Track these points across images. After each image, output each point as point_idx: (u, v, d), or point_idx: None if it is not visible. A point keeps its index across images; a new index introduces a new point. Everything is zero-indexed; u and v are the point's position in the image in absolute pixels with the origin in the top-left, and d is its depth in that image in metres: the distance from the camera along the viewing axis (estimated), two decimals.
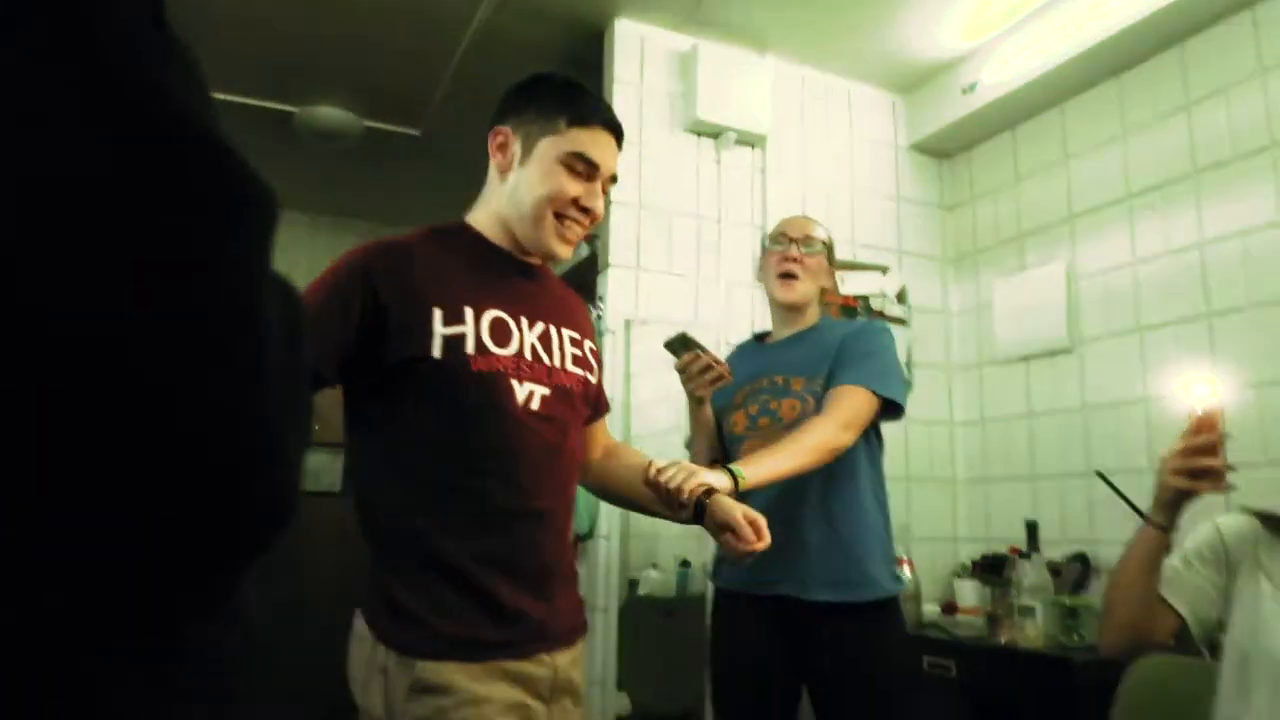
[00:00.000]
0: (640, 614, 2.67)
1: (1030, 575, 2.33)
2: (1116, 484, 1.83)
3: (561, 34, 3.02)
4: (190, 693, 0.38)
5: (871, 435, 1.88)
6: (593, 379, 1.41)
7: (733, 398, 1.91)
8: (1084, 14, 2.65)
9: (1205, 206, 2.49)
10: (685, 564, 2.86)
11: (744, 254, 2.96)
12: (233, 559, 0.37)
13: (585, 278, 2.99)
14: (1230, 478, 1.25)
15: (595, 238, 2.92)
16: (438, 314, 1.22)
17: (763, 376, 1.90)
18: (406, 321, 1.21)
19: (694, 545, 2.84)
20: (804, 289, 1.94)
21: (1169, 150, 2.60)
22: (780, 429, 1.78)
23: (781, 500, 1.75)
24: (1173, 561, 1.40)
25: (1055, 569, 2.48)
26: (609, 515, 2.59)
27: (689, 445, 2.00)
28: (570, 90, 1.36)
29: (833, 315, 3.01)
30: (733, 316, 2.89)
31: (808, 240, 1.94)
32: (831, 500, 1.79)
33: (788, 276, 1.93)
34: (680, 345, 1.71)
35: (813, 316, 1.99)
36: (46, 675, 0.33)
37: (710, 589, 2.11)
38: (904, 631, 1.89)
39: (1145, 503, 1.39)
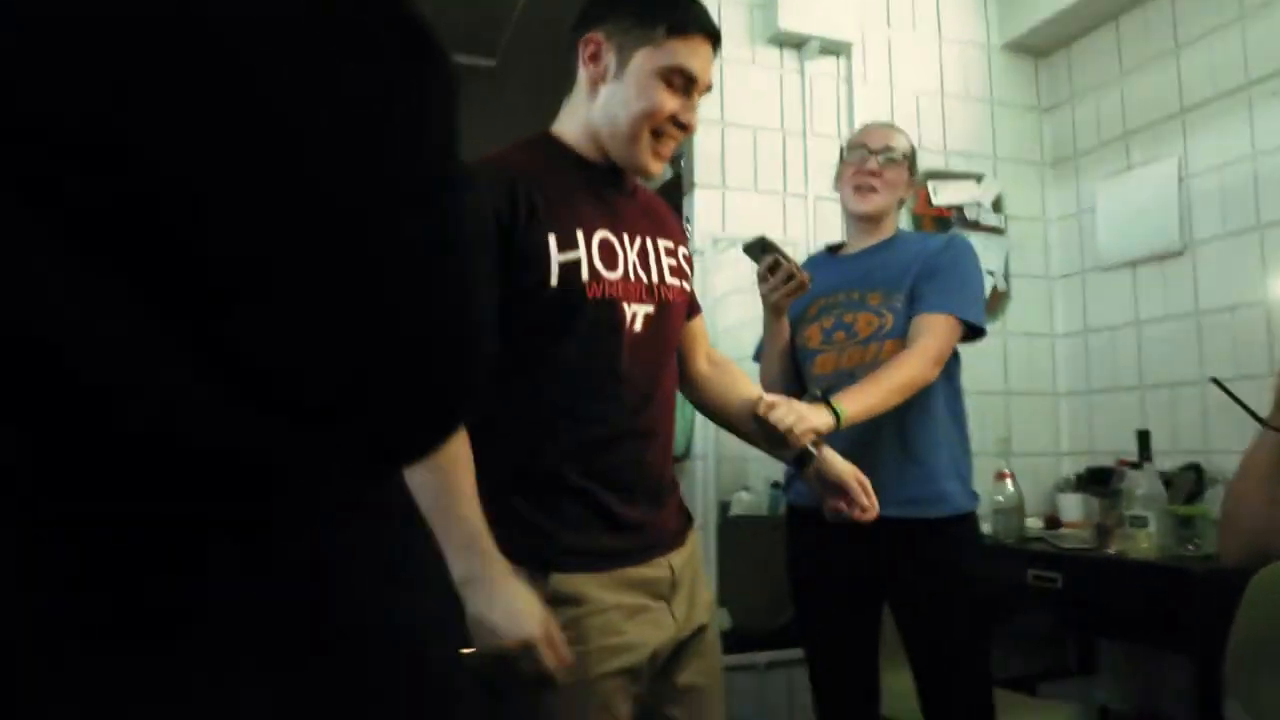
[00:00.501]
0: (735, 534, 2.70)
1: (1143, 485, 2.25)
2: (1234, 391, 1.75)
3: None
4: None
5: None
6: (688, 286, 1.39)
7: (806, 310, 1.88)
8: None
9: None
10: (776, 485, 2.87)
11: (831, 168, 2.87)
12: (424, 430, 0.38)
13: (671, 199, 2.95)
14: None
15: (680, 158, 2.87)
16: (552, 239, 1.19)
17: (838, 290, 1.87)
18: (525, 245, 1.18)
19: (785, 467, 2.84)
20: (880, 201, 1.88)
21: None
22: (855, 344, 1.79)
23: (865, 430, 1.71)
24: None
25: (1168, 479, 2.40)
26: (704, 437, 2.60)
27: (759, 356, 1.98)
28: (678, 3, 1.27)
29: (926, 227, 2.92)
30: (821, 232, 2.82)
31: (887, 150, 1.88)
32: (906, 419, 1.76)
33: (863, 189, 1.88)
34: (759, 249, 1.69)
35: (889, 228, 1.94)
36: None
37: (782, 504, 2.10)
38: (978, 546, 1.89)
39: (1266, 410, 1.32)
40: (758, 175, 2.78)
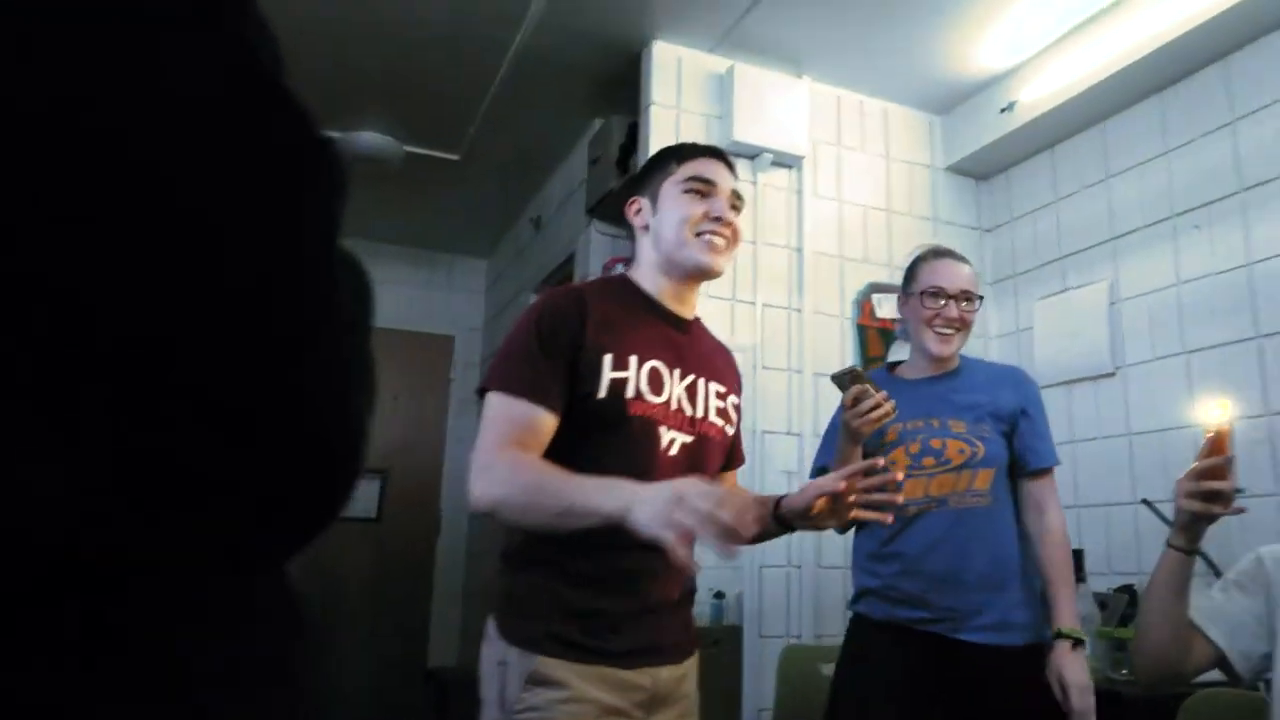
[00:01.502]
0: None
1: (1077, 607, 2.26)
2: (1164, 512, 1.79)
3: (598, 57, 3.05)
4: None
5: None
6: (730, 430, 1.51)
7: (884, 434, 1.88)
8: (1124, 31, 2.62)
9: (1253, 225, 2.44)
10: (719, 595, 2.83)
11: (780, 276, 2.95)
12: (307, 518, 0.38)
13: None
14: (1240, 500, 1.23)
15: (628, 260, 2.92)
16: (608, 359, 1.35)
17: (916, 417, 1.89)
18: (586, 361, 1.34)
19: (730, 575, 2.81)
20: (959, 343, 1.94)
21: (1214, 168, 2.55)
22: (947, 471, 1.84)
23: (946, 542, 1.82)
24: (1212, 591, 1.36)
25: (1102, 601, 2.41)
26: None
27: (816, 473, 1.99)
28: (673, 145, 1.55)
29: (870, 339, 2.98)
30: (769, 339, 2.87)
31: (967, 298, 1.92)
32: (996, 549, 1.84)
33: (945, 336, 1.92)
34: (848, 379, 1.69)
35: (956, 357, 1.99)
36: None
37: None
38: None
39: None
40: (708, 282, 2.83)
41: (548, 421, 1.31)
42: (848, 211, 3.12)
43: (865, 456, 1.87)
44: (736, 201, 1.48)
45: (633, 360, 1.37)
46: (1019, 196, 3.25)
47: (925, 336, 1.94)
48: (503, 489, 1.24)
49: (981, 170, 3.34)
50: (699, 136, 2.91)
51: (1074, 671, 1.76)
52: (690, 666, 1.44)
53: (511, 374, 1.33)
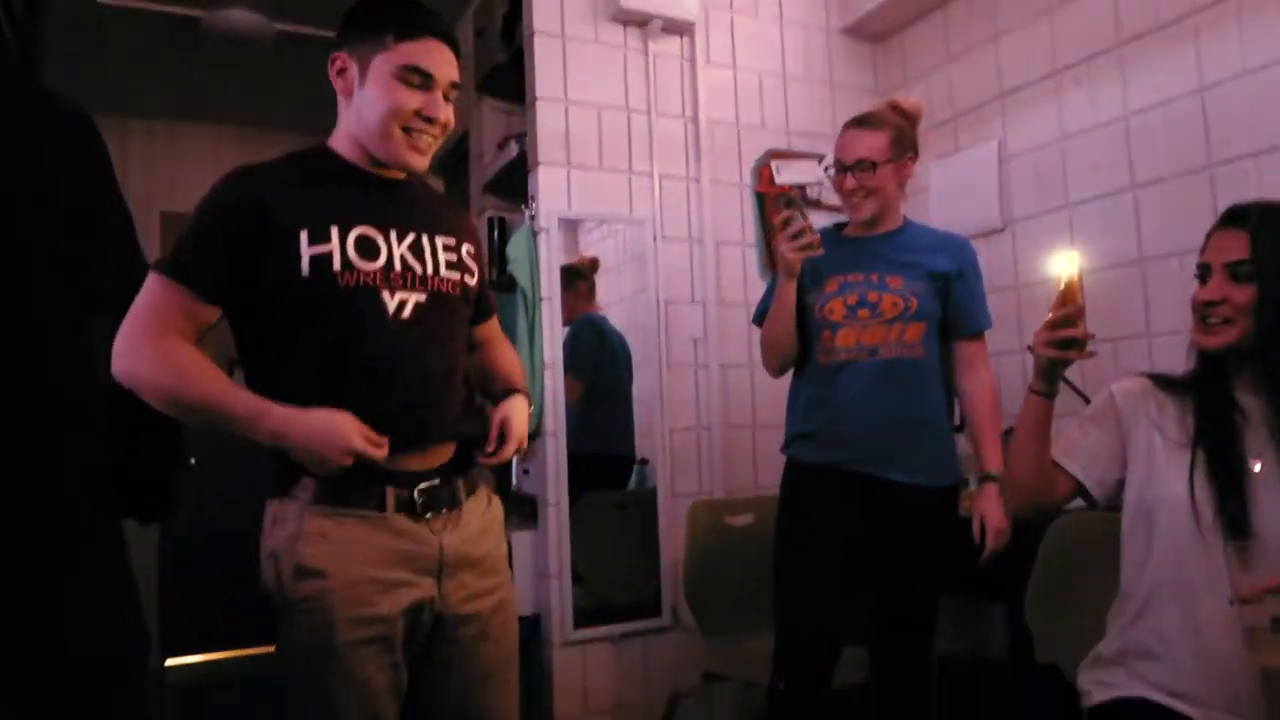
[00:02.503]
0: (591, 509, 2.72)
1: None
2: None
3: None
4: None
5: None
6: (471, 281, 1.46)
7: (823, 284, 2.02)
8: None
9: (1130, 79, 2.50)
10: (643, 461, 2.90)
11: (677, 146, 2.91)
12: None
13: (515, 177, 2.93)
14: (1091, 345, 1.30)
15: (523, 135, 2.84)
16: (304, 235, 1.28)
17: (855, 269, 2.00)
18: (276, 244, 1.27)
19: (643, 443, 2.88)
20: (871, 208, 2.02)
21: (1094, 23, 2.59)
22: (880, 323, 1.97)
23: (875, 389, 1.96)
24: (1069, 429, 1.45)
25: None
26: (554, 415, 2.60)
27: (759, 320, 2.12)
28: (396, 5, 1.38)
29: (769, 206, 3.00)
30: (668, 209, 2.86)
31: (859, 164, 1.99)
32: (923, 398, 2.00)
33: (852, 204, 2.03)
34: (783, 203, 1.82)
35: (897, 217, 2.09)
36: None
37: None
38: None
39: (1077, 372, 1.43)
40: (603, 153, 2.79)
41: (208, 316, 1.29)
42: (743, 78, 3.07)
43: (807, 300, 2.01)
44: (450, 91, 1.38)
45: (334, 231, 1.31)
46: (913, 58, 3.25)
47: (842, 204, 2.08)
48: (146, 368, 1.24)
49: (876, 32, 3.31)
50: (585, 4, 2.81)
51: (995, 515, 1.94)
52: (486, 520, 1.46)
53: (178, 259, 1.27)
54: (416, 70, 1.32)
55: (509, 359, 1.65)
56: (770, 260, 2.96)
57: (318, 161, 1.40)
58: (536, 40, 2.73)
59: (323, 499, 1.28)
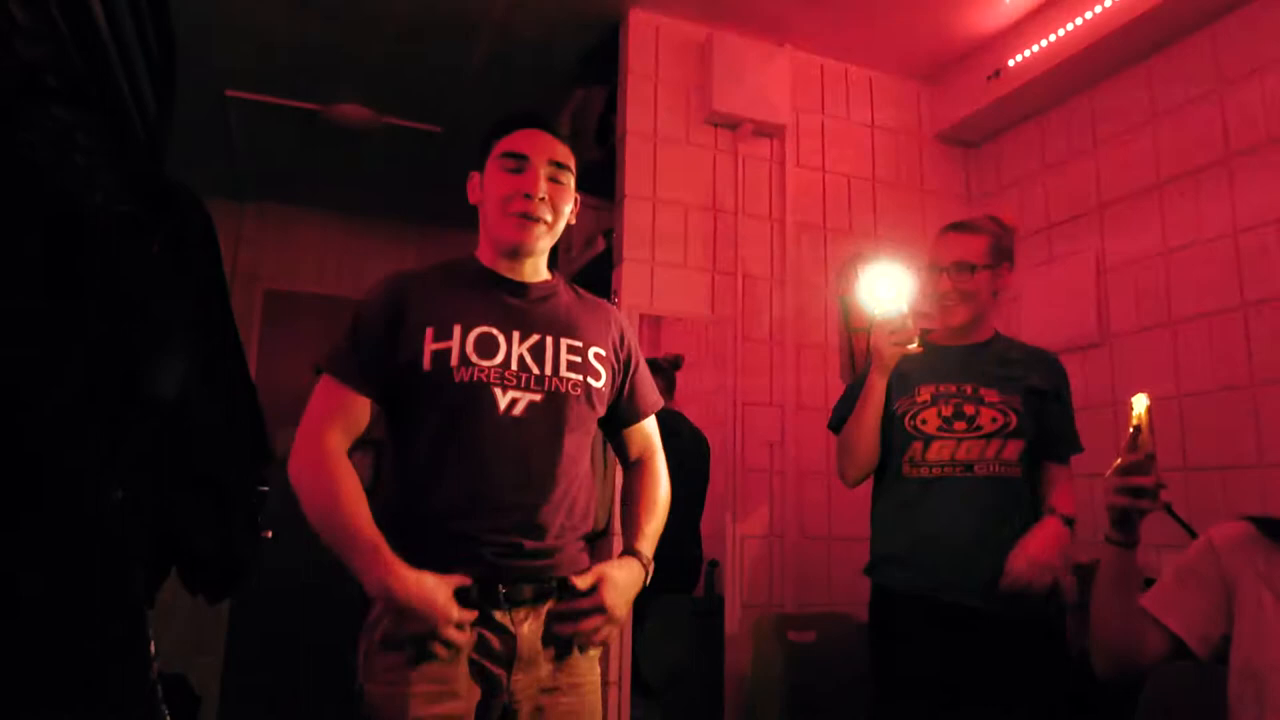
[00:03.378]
0: (664, 613, 2.64)
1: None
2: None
3: (576, 28, 2.99)
4: None
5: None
6: (595, 383, 1.50)
7: (914, 392, 1.91)
8: None
9: (1239, 192, 2.40)
10: (713, 563, 2.84)
11: (762, 247, 2.92)
12: None
13: (600, 272, 2.97)
14: (1224, 470, 1.21)
15: (610, 231, 2.89)
16: (429, 332, 1.41)
17: (948, 380, 1.91)
18: (406, 340, 1.41)
19: (713, 545, 2.81)
20: (964, 314, 1.94)
21: (1200, 134, 2.51)
22: (977, 437, 1.86)
23: (971, 509, 1.84)
24: (1165, 578, 1.34)
25: (1084, 571, 2.40)
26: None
27: (839, 423, 2.02)
28: (499, 119, 1.54)
29: (855, 310, 2.95)
30: (750, 310, 2.84)
31: (956, 265, 1.92)
32: (1014, 518, 1.86)
33: (946, 308, 1.95)
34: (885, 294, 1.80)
35: (987, 328, 2.00)
36: None
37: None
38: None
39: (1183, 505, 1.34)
40: (688, 251, 2.81)
41: (362, 405, 1.42)
42: (832, 181, 3.07)
43: (894, 409, 1.92)
44: (557, 172, 1.48)
45: (457, 329, 1.42)
46: (1008, 165, 3.20)
47: (933, 309, 2.00)
48: (308, 481, 1.37)
49: (970, 138, 3.28)
50: (678, 106, 2.88)
51: (1036, 543, 1.78)
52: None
53: (335, 358, 1.44)
54: (511, 155, 1.47)
55: (650, 498, 1.61)
56: (853, 363, 2.90)
57: (459, 267, 1.53)
58: (629, 140, 2.80)
59: None
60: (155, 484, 1.88)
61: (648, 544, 1.53)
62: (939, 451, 1.87)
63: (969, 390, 1.89)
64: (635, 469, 1.65)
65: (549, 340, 1.48)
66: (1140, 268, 2.65)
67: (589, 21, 2.95)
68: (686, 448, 2.93)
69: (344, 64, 3.36)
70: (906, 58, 3.14)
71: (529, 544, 1.39)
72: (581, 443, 1.50)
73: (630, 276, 2.71)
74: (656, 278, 2.75)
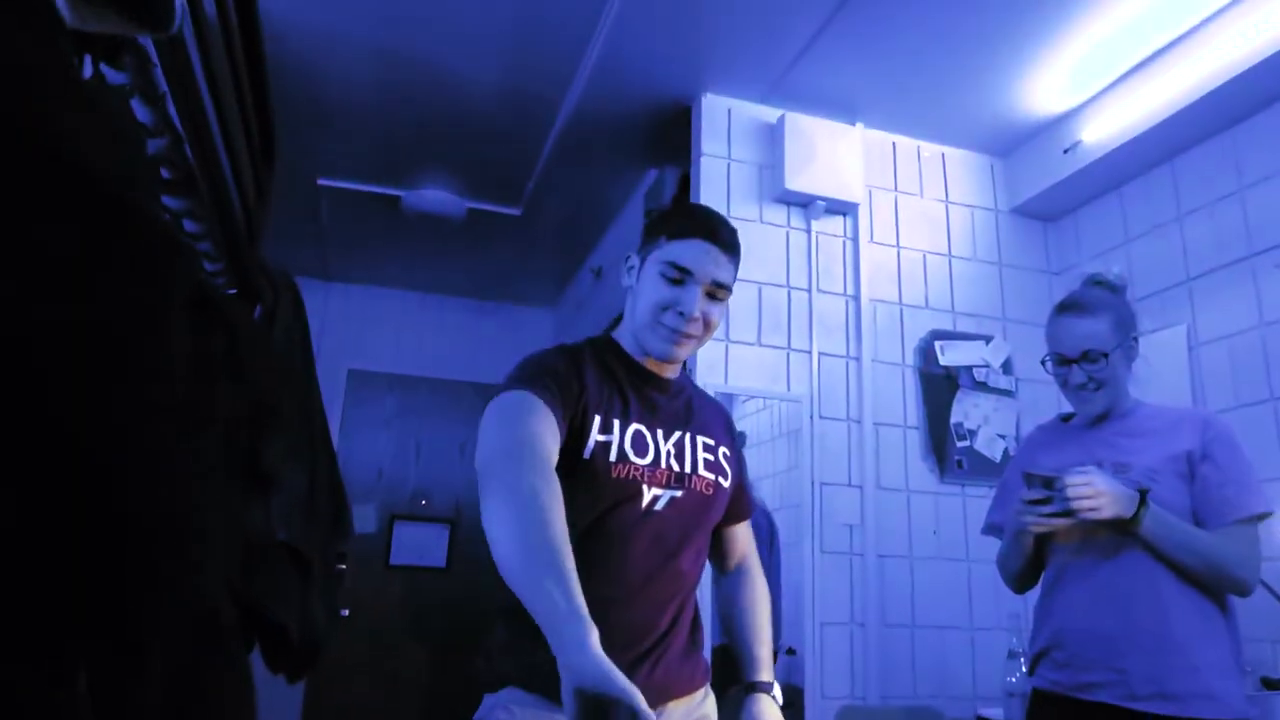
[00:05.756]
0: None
1: None
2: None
3: (649, 112, 3.08)
4: None
5: None
6: (725, 482, 1.48)
7: (1050, 479, 1.74)
8: (1188, 66, 2.53)
9: None
10: (790, 651, 2.75)
11: (837, 324, 2.90)
12: None
13: None
14: None
15: None
16: (596, 421, 1.36)
17: (1084, 461, 1.75)
18: (579, 418, 1.35)
19: (790, 633, 2.73)
20: (1104, 400, 1.79)
21: None
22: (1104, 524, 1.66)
23: (1108, 594, 1.66)
24: None
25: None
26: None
27: (992, 530, 1.93)
28: (681, 209, 1.51)
29: (935, 388, 2.90)
30: (826, 388, 2.81)
31: (1086, 357, 1.76)
32: (1168, 599, 1.63)
33: (1082, 400, 1.81)
34: (1039, 482, 1.65)
35: (1125, 400, 1.83)
36: None
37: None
38: None
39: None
40: (762, 330, 2.80)
41: (559, 437, 1.28)
42: (906, 257, 3.06)
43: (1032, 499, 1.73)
44: (716, 290, 1.42)
45: (616, 424, 1.38)
46: (1087, 238, 3.14)
47: (1068, 399, 1.84)
48: (500, 475, 1.18)
49: (1048, 212, 3.24)
50: (750, 186, 2.91)
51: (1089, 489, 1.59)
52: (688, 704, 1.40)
53: (535, 378, 1.31)
54: (675, 265, 1.39)
55: (763, 616, 1.56)
56: (936, 443, 2.84)
57: (607, 352, 1.48)
58: None
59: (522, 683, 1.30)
60: (244, 555, 1.92)
61: (770, 673, 1.49)
62: (1067, 535, 1.73)
63: (1101, 467, 1.70)
64: (739, 578, 1.59)
65: (687, 437, 1.46)
66: (1235, 342, 2.55)
67: (662, 104, 3.03)
68: (761, 532, 2.88)
69: (427, 150, 3.51)
70: (979, 133, 3.14)
71: (648, 644, 1.36)
72: (707, 541, 1.50)
73: (705, 354, 2.71)
74: (731, 355, 2.75)
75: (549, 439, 1.25)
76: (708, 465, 1.46)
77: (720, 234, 1.43)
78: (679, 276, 1.39)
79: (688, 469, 1.43)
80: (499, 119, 3.21)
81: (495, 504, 1.16)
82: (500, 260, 4.66)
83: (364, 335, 4.98)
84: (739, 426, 2.88)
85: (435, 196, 3.83)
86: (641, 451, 1.39)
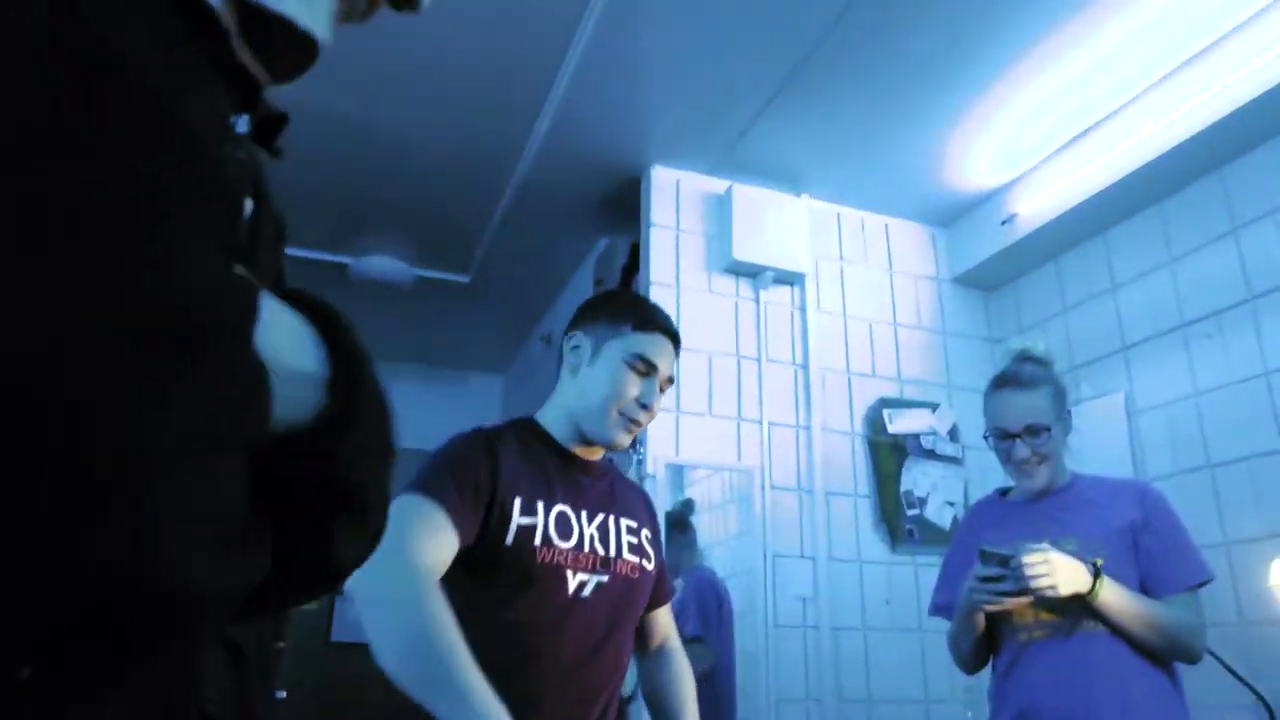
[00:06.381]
0: None
1: None
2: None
3: (599, 182, 3.11)
4: None
5: None
6: (649, 565, 1.48)
7: (1000, 558, 1.74)
8: (1119, 142, 2.64)
9: (1265, 333, 2.38)
10: None
11: (785, 393, 2.91)
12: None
13: None
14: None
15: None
16: (517, 504, 1.34)
17: (1026, 538, 1.72)
18: (496, 506, 1.32)
19: (752, 702, 2.68)
20: (1048, 472, 1.80)
21: (1220, 276, 2.52)
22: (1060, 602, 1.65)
23: (1067, 675, 1.64)
24: None
25: None
26: None
27: (940, 611, 1.91)
28: (638, 301, 1.55)
29: (881, 454, 2.91)
30: (776, 457, 2.81)
31: (1029, 432, 1.77)
32: (1131, 683, 1.63)
33: (1026, 474, 1.81)
34: (995, 562, 1.64)
35: (1063, 474, 1.85)
36: None
37: None
38: None
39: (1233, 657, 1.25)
40: (713, 400, 2.80)
41: (452, 543, 1.25)
42: (853, 326, 3.10)
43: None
44: (666, 385, 1.48)
45: (540, 505, 1.35)
46: (1027, 307, 3.22)
47: (1010, 474, 1.86)
48: (389, 604, 1.15)
49: (988, 281, 3.32)
50: (698, 256, 2.94)
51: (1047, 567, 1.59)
52: None
53: (433, 483, 1.27)
54: (643, 359, 1.43)
55: (687, 687, 1.56)
56: (885, 514, 2.84)
57: (531, 435, 1.46)
58: (653, 290, 2.85)
59: None
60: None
61: None
62: (1023, 615, 1.72)
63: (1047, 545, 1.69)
64: (663, 658, 1.57)
65: (611, 519, 1.44)
66: (1173, 409, 2.61)
67: (612, 174, 3.06)
68: (710, 604, 2.84)
69: (375, 217, 3.49)
70: (920, 204, 3.22)
71: None
72: (633, 629, 1.47)
73: (656, 426, 2.70)
74: (682, 426, 2.73)
75: (436, 551, 1.22)
76: (631, 549, 1.45)
77: (675, 332, 1.50)
78: (647, 370, 1.43)
79: (612, 553, 1.41)
80: (449, 186, 3.21)
81: (380, 616, 1.15)
82: (449, 327, 4.62)
83: None
84: (688, 493, 2.89)
85: (382, 264, 3.80)
86: (565, 534, 1.36)
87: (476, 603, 1.29)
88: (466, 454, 1.34)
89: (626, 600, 1.42)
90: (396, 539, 1.17)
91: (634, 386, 1.42)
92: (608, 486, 1.50)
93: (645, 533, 1.50)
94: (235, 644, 1.47)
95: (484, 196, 3.28)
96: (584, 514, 1.41)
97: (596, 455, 1.50)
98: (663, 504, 2.62)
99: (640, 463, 2.65)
